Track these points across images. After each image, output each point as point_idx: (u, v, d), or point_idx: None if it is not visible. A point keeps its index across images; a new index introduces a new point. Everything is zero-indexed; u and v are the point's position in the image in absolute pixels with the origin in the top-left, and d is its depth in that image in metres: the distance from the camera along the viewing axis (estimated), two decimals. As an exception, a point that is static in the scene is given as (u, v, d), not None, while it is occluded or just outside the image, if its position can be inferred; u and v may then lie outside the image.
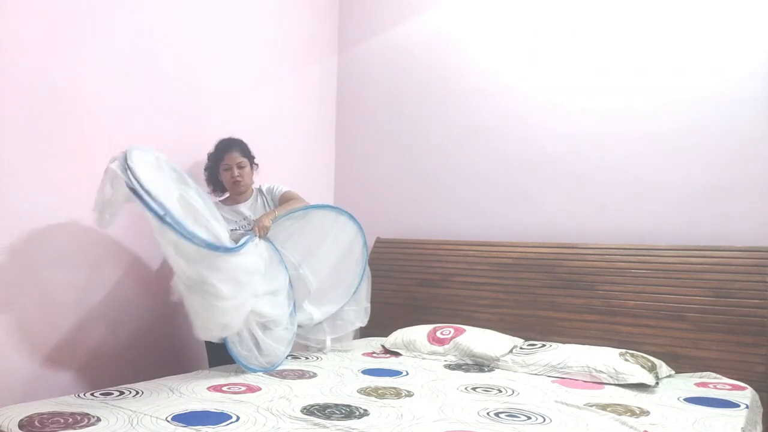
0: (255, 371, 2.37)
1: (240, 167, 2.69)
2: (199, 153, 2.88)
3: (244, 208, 2.73)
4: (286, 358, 2.56)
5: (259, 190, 2.83)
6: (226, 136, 2.77)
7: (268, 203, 2.79)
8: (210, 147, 2.78)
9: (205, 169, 2.77)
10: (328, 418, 1.75)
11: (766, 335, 2.45)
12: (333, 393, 2.07)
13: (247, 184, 2.74)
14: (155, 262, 2.74)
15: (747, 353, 2.47)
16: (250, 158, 2.76)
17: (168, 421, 1.66)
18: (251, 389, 2.08)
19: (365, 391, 2.10)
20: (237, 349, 2.36)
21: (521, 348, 2.72)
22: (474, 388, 2.22)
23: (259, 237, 2.53)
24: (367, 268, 2.96)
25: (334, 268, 2.81)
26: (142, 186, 2.01)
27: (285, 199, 2.78)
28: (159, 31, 2.73)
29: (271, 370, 2.41)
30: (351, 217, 2.90)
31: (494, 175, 3.28)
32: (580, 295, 2.86)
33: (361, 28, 3.77)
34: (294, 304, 2.67)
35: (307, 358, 2.68)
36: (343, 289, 2.87)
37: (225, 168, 2.69)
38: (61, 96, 2.35)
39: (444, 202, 3.44)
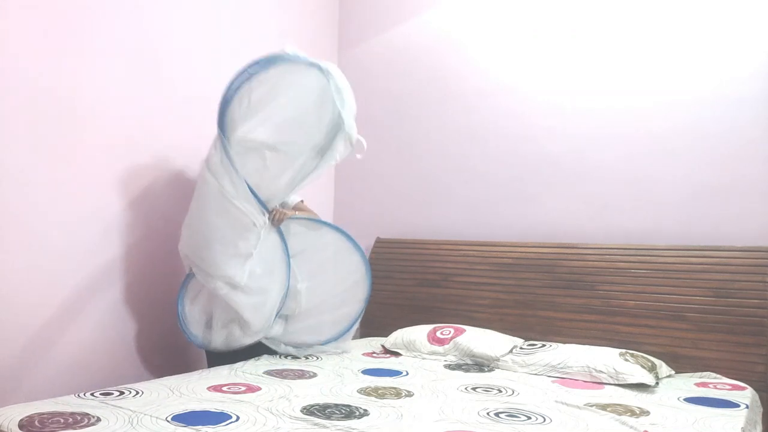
0: (189, 338, 2.58)
1: None
2: (199, 152, 2.88)
3: None
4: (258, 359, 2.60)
5: None
6: None
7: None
8: (210, 146, 2.77)
9: None
10: (328, 418, 1.75)
11: (766, 335, 2.45)
12: (333, 393, 2.07)
13: None
14: (156, 262, 2.74)
15: (747, 353, 2.47)
16: None
17: (168, 421, 1.66)
18: (251, 389, 2.08)
19: (365, 391, 2.10)
20: (183, 310, 2.55)
21: (521, 348, 2.72)
22: (474, 388, 2.22)
23: (274, 220, 2.56)
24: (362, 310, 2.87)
25: (326, 301, 2.76)
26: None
27: (297, 209, 2.80)
28: (160, 33, 2.73)
29: (203, 347, 2.58)
30: (363, 257, 2.81)
31: (494, 175, 3.28)
32: (580, 295, 2.86)
33: (361, 28, 3.77)
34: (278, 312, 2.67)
35: (307, 358, 2.68)
36: (326, 328, 2.79)
37: None
38: (63, 97, 2.35)
39: (444, 202, 3.44)
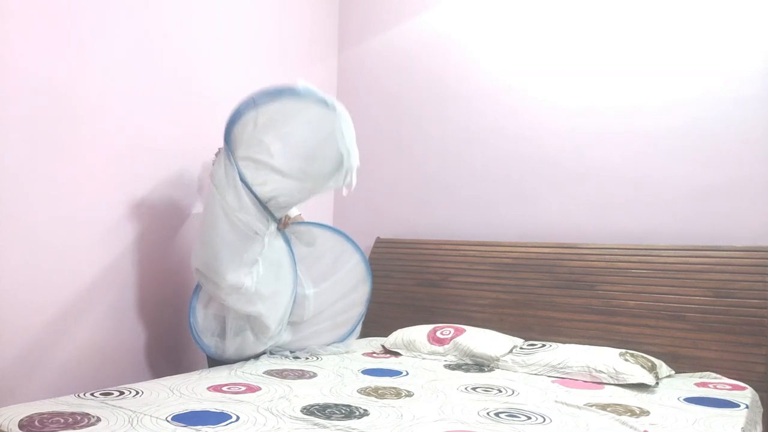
0: (203, 349, 2.54)
1: None
2: (199, 153, 2.88)
3: None
4: (257, 358, 2.58)
5: None
6: None
7: None
8: (210, 147, 2.78)
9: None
10: (328, 418, 1.75)
11: (766, 335, 2.45)
12: (333, 393, 2.07)
13: None
14: (155, 261, 2.74)
15: (747, 353, 2.47)
16: None
17: (168, 421, 1.66)
18: (251, 389, 2.08)
19: (365, 391, 2.10)
20: (195, 320, 2.52)
21: (521, 348, 2.72)
22: (474, 388, 2.22)
23: (279, 223, 2.59)
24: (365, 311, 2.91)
25: (330, 306, 2.79)
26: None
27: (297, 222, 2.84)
28: (159, 32, 2.73)
29: (215, 356, 2.54)
30: (363, 258, 2.84)
31: (494, 175, 3.28)
32: (580, 295, 2.86)
33: (361, 28, 3.77)
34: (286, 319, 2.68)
35: (307, 358, 2.68)
36: (330, 332, 2.82)
37: None
38: (62, 96, 2.35)
39: (444, 202, 3.44)
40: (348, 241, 2.81)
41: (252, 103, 2.31)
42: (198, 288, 2.54)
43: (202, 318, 2.53)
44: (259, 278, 2.49)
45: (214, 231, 2.39)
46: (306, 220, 2.93)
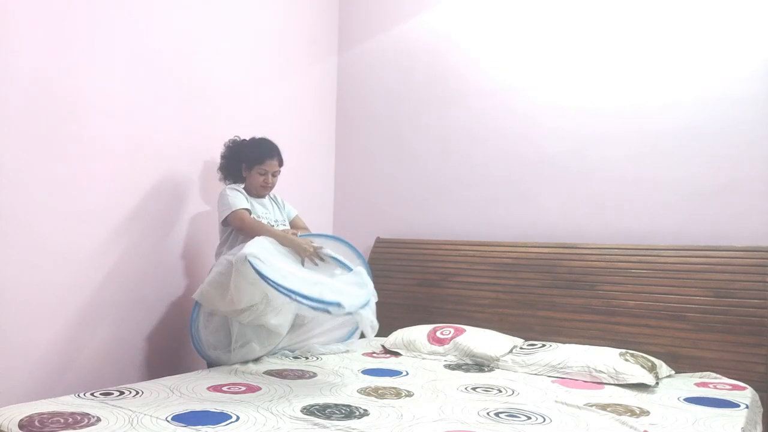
0: (208, 361, 2.54)
1: (274, 175, 2.73)
2: (199, 153, 2.88)
3: (265, 203, 2.77)
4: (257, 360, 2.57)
5: (271, 196, 2.85)
6: (261, 136, 2.76)
7: (280, 212, 2.82)
8: (210, 146, 2.78)
9: (224, 158, 2.75)
10: (328, 418, 1.75)
11: (766, 335, 2.45)
12: (333, 393, 2.07)
13: (272, 190, 2.80)
14: (156, 262, 2.74)
15: (747, 353, 2.47)
16: (281, 167, 2.79)
17: (168, 421, 1.66)
18: (251, 389, 2.08)
19: (365, 391, 2.10)
20: (196, 326, 2.51)
21: (521, 348, 2.72)
22: (474, 388, 2.22)
23: (316, 261, 2.52)
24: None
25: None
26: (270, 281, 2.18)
27: (295, 225, 2.83)
28: (159, 32, 2.73)
29: (213, 363, 2.52)
30: (363, 261, 2.84)
31: (494, 175, 3.28)
32: (580, 295, 2.86)
33: (361, 28, 3.77)
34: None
35: (307, 358, 2.68)
36: (330, 334, 2.84)
37: (261, 172, 2.69)
38: (63, 96, 2.35)
39: (444, 202, 3.44)
40: (347, 246, 2.81)
41: (289, 297, 2.19)
42: (197, 307, 2.51)
43: (204, 332, 2.53)
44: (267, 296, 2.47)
45: (242, 291, 2.33)
46: (305, 220, 2.92)
